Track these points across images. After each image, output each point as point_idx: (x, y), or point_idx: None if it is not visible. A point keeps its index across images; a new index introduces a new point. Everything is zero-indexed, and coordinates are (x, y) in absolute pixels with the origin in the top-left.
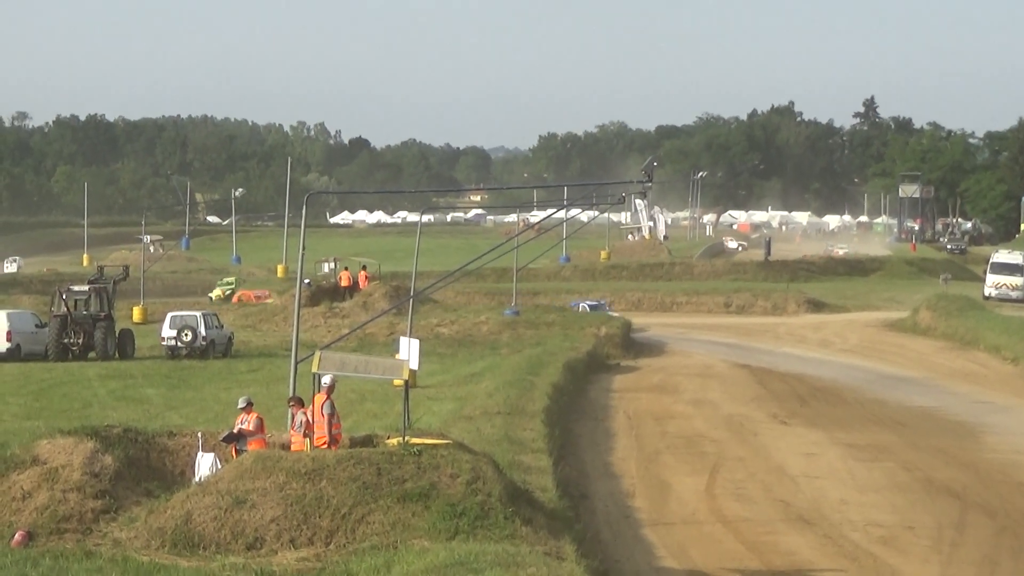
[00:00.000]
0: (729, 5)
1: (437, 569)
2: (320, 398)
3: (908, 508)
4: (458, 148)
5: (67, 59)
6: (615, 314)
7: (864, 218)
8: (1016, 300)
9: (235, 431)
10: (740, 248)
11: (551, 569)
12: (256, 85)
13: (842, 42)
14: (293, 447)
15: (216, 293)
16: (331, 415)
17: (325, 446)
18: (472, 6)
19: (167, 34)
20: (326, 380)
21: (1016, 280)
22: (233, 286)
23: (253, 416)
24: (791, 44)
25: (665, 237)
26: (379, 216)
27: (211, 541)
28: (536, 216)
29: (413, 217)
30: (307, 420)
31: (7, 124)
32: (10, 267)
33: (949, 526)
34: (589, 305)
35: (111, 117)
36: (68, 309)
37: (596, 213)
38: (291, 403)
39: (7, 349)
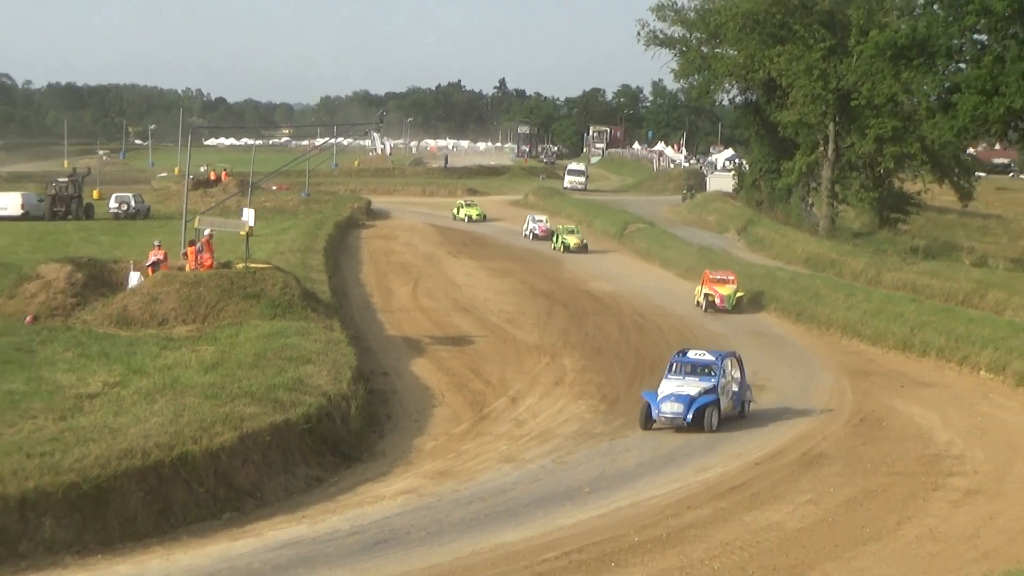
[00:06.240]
0: (424, 8)
1: (265, 336)
2: (201, 243)
3: (522, 303)
4: (275, 103)
5: (61, 34)
6: None
7: (499, 144)
8: (581, 190)
9: (151, 260)
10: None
11: (327, 335)
12: (164, 61)
13: (489, 41)
14: (190, 263)
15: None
16: (200, 252)
17: (198, 268)
18: None
19: (112, 18)
20: (206, 233)
21: (580, 179)
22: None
23: (162, 252)
24: (461, 41)
25: (390, 153)
26: (231, 141)
27: (138, 321)
28: (319, 142)
29: (251, 142)
30: (193, 251)
31: (19, 87)
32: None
33: (544, 314)
34: None
35: (80, 83)
36: (56, 191)
37: (352, 139)
38: (188, 244)
39: (21, 214)
